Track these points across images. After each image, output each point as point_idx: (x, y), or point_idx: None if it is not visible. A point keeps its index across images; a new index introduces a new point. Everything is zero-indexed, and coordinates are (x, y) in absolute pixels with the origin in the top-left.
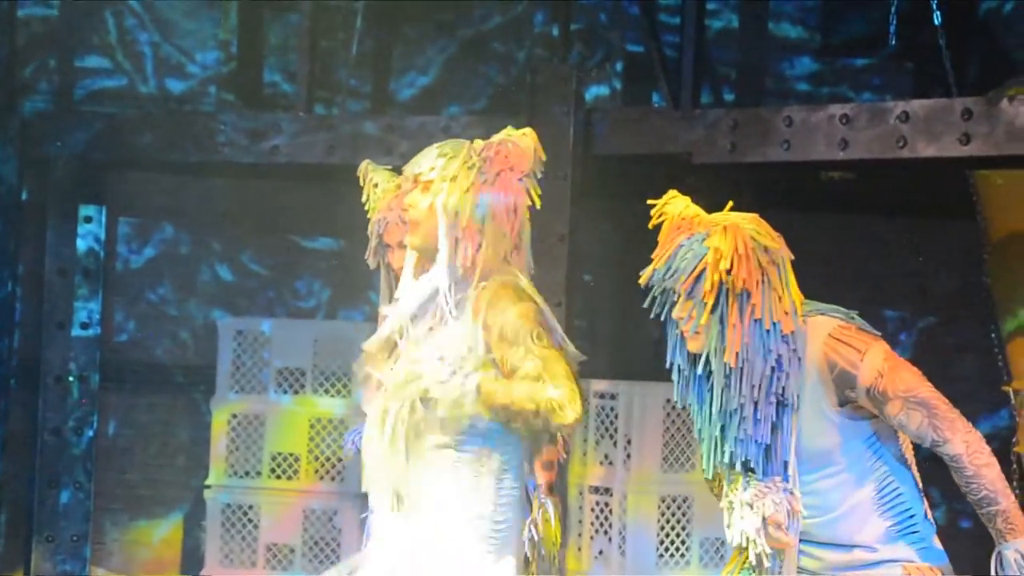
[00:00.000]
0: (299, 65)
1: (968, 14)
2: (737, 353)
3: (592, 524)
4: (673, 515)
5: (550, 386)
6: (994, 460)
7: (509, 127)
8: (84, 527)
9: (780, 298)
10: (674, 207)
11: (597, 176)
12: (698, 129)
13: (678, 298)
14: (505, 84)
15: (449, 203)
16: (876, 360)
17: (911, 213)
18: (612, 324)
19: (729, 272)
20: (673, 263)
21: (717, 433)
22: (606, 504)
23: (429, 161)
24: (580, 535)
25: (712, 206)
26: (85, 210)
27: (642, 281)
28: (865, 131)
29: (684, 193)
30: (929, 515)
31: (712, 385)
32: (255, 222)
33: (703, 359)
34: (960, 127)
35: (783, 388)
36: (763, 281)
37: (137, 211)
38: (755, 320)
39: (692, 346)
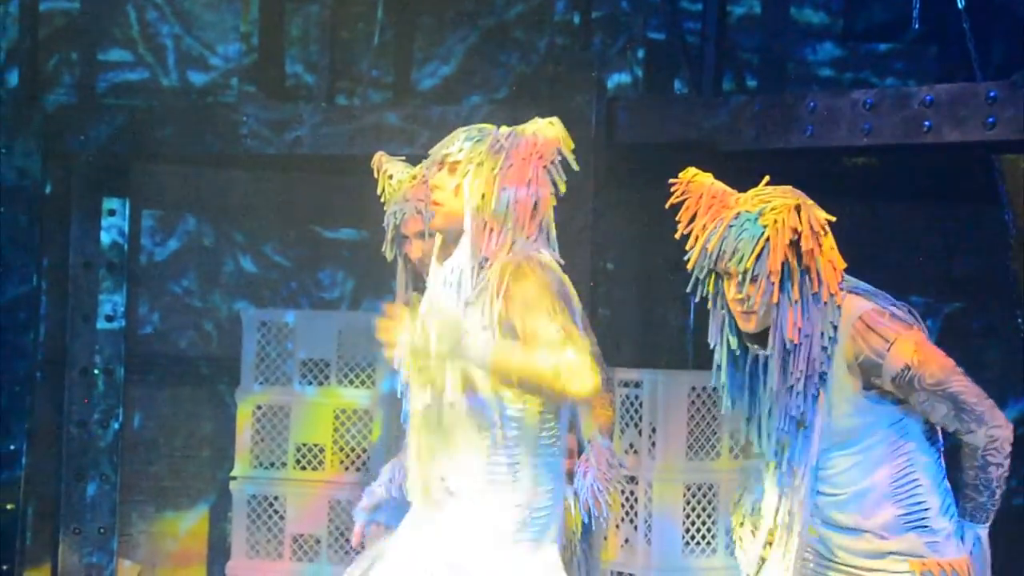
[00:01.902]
0: (320, 56)
1: None
2: (800, 329)
3: (618, 513)
4: (699, 503)
5: (570, 350)
6: (1007, 463)
7: (536, 116)
8: (110, 519)
9: (835, 268)
10: (698, 184)
11: (620, 165)
12: (721, 116)
13: (732, 279)
14: (527, 73)
15: (475, 185)
16: (905, 350)
17: (936, 198)
18: (635, 313)
19: (795, 249)
20: (726, 244)
21: (765, 412)
22: (631, 493)
23: (457, 144)
24: (606, 524)
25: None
26: (109, 203)
27: (690, 266)
28: (889, 116)
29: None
30: (951, 510)
31: (767, 364)
32: (278, 213)
33: (763, 338)
34: (985, 111)
35: (827, 363)
36: (821, 254)
37: (160, 204)
38: (814, 294)
39: (746, 326)
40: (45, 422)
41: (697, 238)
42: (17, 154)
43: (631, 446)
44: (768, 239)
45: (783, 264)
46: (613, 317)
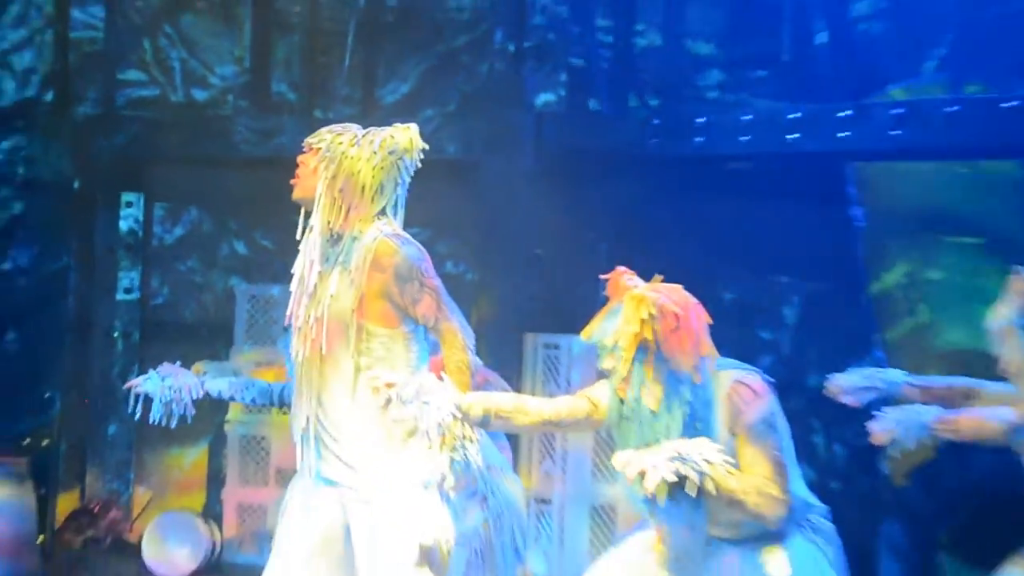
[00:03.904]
0: (301, 77)
1: (846, 32)
2: (658, 399)
3: (540, 451)
4: (605, 441)
5: (448, 313)
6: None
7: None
8: (128, 454)
9: (686, 353)
10: (621, 280)
11: (546, 167)
12: (628, 128)
13: (604, 351)
14: (471, 89)
15: (331, 165)
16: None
17: (800, 197)
18: (559, 287)
19: (636, 331)
20: (603, 325)
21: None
22: (551, 438)
23: (321, 135)
24: (531, 458)
25: (637, 188)
26: (126, 197)
27: (583, 337)
28: (762, 130)
29: (618, 185)
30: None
31: (640, 422)
32: (265, 206)
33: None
34: (837, 127)
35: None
36: (672, 340)
37: (169, 197)
38: (670, 371)
39: (620, 393)
40: (74, 375)
41: (595, 319)
42: (51, 156)
43: (551, 396)
44: (623, 321)
45: (639, 343)
46: (540, 291)
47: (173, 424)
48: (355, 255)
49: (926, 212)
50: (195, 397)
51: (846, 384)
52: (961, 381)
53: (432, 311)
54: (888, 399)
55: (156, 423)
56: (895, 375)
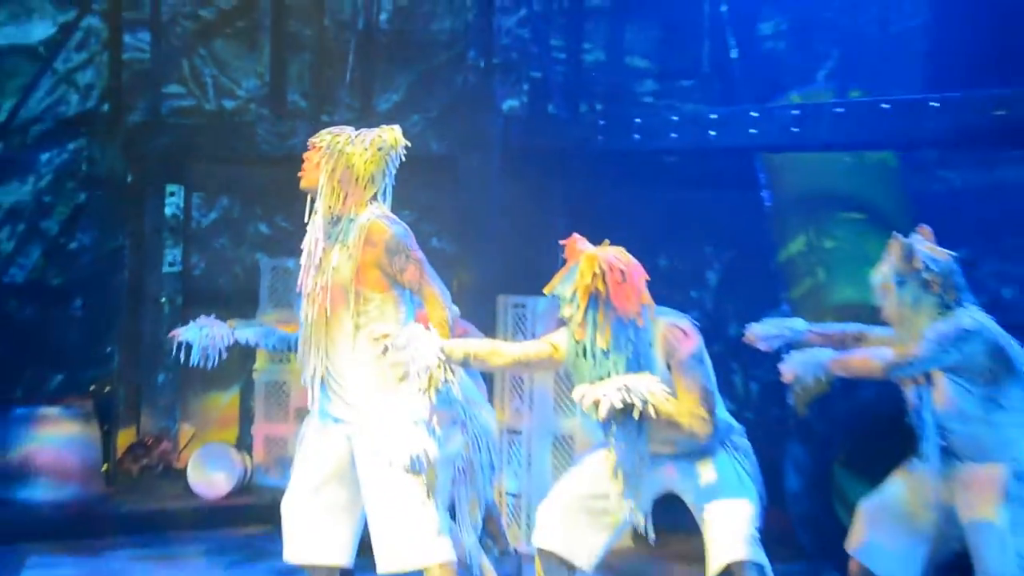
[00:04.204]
0: (310, 88)
1: (754, 49)
2: (608, 341)
3: (510, 391)
4: (564, 385)
5: (428, 278)
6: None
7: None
8: (174, 397)
9: (630, 302)
10: (576, 245)
11: (512, 160)
12: (579, 129)
13: (565, 303)
14: (450, 98)
15: (330, 160)
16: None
17: (719, 184)
18: (524, 258)
19: (589, 284)
20: (562, 281)
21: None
22: (520, 379)
23: (323, 135)
24: (503, 398)
25: (587, 177)
26: (170, 188)
27: (546, 291)
28: (688, 129)
29: (572, 175)
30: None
31: (594, 359)
32: (283, 194)
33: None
34: (750, 124)
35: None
36: (619, 291)
37: (204, 188)
38: (618, 318)
39: (577, 336)
40: (130, 334)
41: (557, 276)
42: (108, 156)
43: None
44: (579, 276)
45: (591, 294)
46: (508, 261)
47: (210, 366)
48: (352, 233)
49: (820, 194)
50: (227, 344)
51: (760, 332)
52: (852, 327)
53: (416, 278)
54: (793, 344)
55: (196, 366)
56: (799, 324)
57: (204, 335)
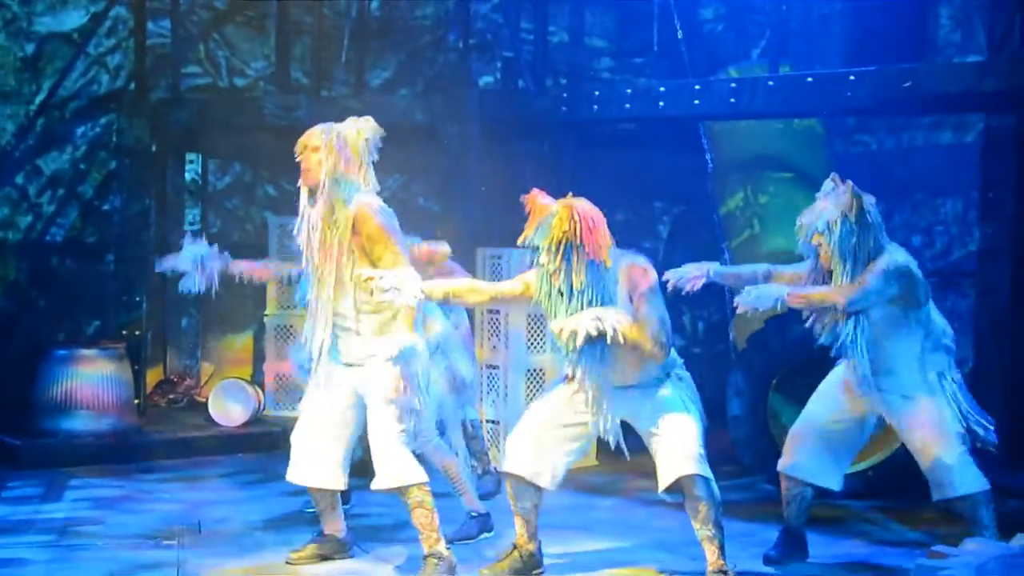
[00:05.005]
0: (311, 67)
1: (697, 30)
2: (581, 280)
3: (489, 330)
4: (537, 324)
5: (403, 265)
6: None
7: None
8: (196, 339)
9: (600, 246)
10: (532, 198)
11: (488, 130)
12: (546, 101)
13: (542, 251)
14: (433, 74)
15: (328, 157)
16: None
17: (669, 148)
18: (500, 216)
19: (566, 232)
20: (537, 230)
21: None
22: (497, 321)
23: (316, 135)
24: (483, 337)
25: (552, 143)
26: (189, 156)
27: (519, 242)
28: (641, 100)
29: (540, 141)
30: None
31: (569, 297)
32: (288, 161)
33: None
34: (693, 96)
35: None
36: (590, 237)
37: (219, 155)
38: (589, 260)
39: (555, 279)
40: (156, 285)
41: (528, 228)
42: (135, 129)
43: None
44: (556, 224)
45: (565, 243)
46: (486, 219)
47: (203, 289)
48: (342, 221)
49: (755, 156)
50: (220, 269)
51: (676, 275)
52: (762, 267)
53: (389, 265)
54: (713, 284)
55: (197, 295)
56: (715, 266)
57: (199, 259)
